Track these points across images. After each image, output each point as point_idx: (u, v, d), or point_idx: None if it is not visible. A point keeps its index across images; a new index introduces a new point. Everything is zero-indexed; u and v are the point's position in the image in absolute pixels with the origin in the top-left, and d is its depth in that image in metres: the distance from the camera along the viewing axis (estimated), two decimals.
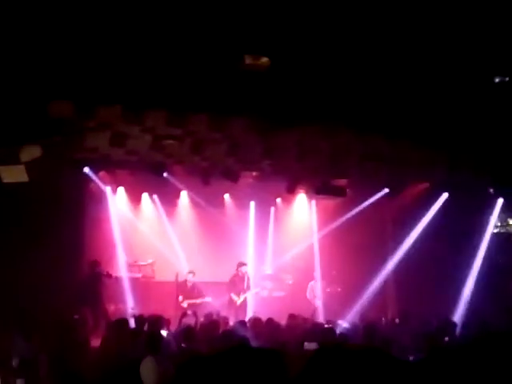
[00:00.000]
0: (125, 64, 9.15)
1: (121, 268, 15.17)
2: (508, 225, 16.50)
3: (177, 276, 15.28)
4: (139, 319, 11.17)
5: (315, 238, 16.96)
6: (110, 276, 14.22)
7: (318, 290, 15.91)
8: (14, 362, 8.70)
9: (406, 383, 1.26)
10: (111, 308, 14.28)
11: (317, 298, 15.80)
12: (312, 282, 16.09)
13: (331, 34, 8.67)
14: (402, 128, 11.34)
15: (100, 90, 9.52)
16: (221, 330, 11.00)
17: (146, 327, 10.74)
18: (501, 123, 11.39)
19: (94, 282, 13.74)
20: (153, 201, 16.32)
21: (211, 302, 14.68)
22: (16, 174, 10.61)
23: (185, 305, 14.66)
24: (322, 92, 10.26)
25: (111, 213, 15.21)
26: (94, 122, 10.84)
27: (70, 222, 12.97)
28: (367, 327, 10.94)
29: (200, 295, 14.77)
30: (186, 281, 14.93)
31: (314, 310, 15.25)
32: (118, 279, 14.76)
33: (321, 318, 14.41)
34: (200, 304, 14.63)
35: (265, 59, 9.30)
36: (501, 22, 8.29)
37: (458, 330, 11.82)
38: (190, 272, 15.05)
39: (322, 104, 10.43)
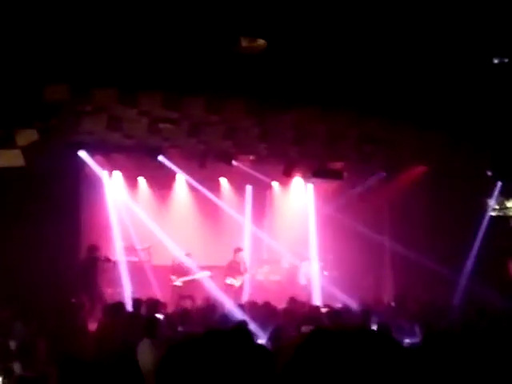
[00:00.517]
0: (121, 46, 9.08)
1: (117, 252, 15.15)
2: (506, 207, 16.50)
3: (173, 261, 15.29)
4: (136, 303, 11.20)
5: (312, 222, 16.95)
6: (108, 260, 14.24)
7: (311, 271, 15.84)
8: (12, 346, 8.71)
9: (404, 366, 1.24)
10: (108, 292, 14.29)
11: (309, 279, 15.71)
12: (305, 263, 15.98)
13: (328, 16, 8.60)
14: (399, 110, 11.30)
15: (96, 73, 9.45)
16: (218, 314, 11.04)
17: (142, 311, 10.77)
18: (499, 105, 11.35)
19: (91, 266, 13.75)
20: (149, 184, 16.28)
21: (207, 282, 14.70)
22: (12, 159, 10.57)
23: (179, 283, 14.68)
24: (319, 74, 10.20)
25: (107, 197, 15.17)
26: (90, 106, 10.78)
27: (66, 206, 12.92)
28: (363, 311, 11.00)
29: (194, 273, 14.86)
30: (181, 263, 14.97)
31: (308, 293, 15.18)
32: (115, 263, 14.76)
33: (318, 301, 14.44)
34: (194, 281, 14.67)
35: (261, 41, 9.24)
36: (499, 3, 8.23)
37: (454, 313, 11.89)
38: (187, 254, 15.07)
39: (319, 86, 10.38)
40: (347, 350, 1.31)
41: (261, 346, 1.68)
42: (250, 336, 1.74)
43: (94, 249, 13.94)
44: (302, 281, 15.73)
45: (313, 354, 1.32)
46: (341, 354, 1.30)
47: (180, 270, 14.92)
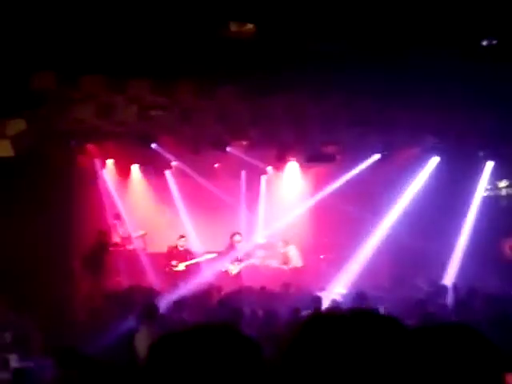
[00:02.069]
0: (108, 32, 8.97)
1: (113, 240, 15.12)
2: (497, 188, 16.52)
3: (169, 246, 15.26)
4: (132, 291, 11.19)
5: (307, 206, 16.93)
6: (116, 245, 14.29)
7: (296, 255, 15.72)
8: (8, 338, 8.69)
9: (409, 349, 1.21)
10: (108, 279, 14.27)
11: (295, 263, 15.59)
12: (292, 246, 15.85)
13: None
14: (391, 90, 11.24)
15: (83, 60, 9.35)
16: (214, 300, 11.03)
17: (139, 298, 10.76)
18: (488, 86, 11.30)
19: (99, 252, 13.72)
20: (142, 172, 16.21)
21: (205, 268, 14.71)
22: (1, 149, 10.49)
23: (182, 267, 14.67)
24: (309, 56, 10.12)
25: (100, 185, 15.11)
26: (79, 93, 10.69)
27: (58, 196, 12.87)
28: (358, 294, 11.01)
29: (196, 256, 14.85)
30: (176, 246, 14.94)
31: (289, 275, 15.10)
32: (111, 251, 14.73)
33: (313, 285, 14.44)
34: (199, 264, 14.68)
35: (250, 26, 9.16)
36: None
37: (449, 294, 11.91)
38: (181, 236, 15.05)
39: (310, 69, 10.30)
40: (351, 334, 1.26)
41: (248, 339, 1.64)
42: (236, 330, 1.70)
43: (104, 234, 13.94)
44: (294, 262, 15.61)
45: (314, 340, 1.28)
46: (344, 339, 1.25)
47: (178, 254, 14.89)
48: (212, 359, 1.53)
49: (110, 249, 14.37)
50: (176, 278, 14.32)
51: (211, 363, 1.53)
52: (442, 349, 1.52)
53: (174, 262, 14.76)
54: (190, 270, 14.67)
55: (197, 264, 14.96)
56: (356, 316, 1.33)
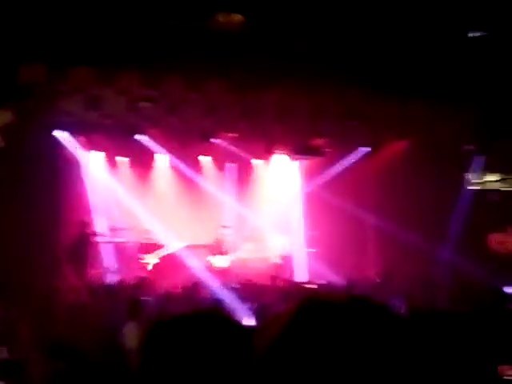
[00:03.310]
0: (97, 25, 8.92)
1: (99, 232, 15.04)
2: (484, 181, 16.58)
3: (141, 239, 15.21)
4: (119, 284, 11.15)
5: (295, 199, 16.93)
6: (97, 234, 14.21)
7: (284, 247, 15.71)
8: None
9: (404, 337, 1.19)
10: (91, 272, 14.20)
11: (281, 256, 15.59)
12: (278, 239, 15.84)
13: None
14: (380, 83, 11.25)
15: (71, 52, 9.29)
16: (202, 293, 11.03)
17: (126, 292, 10.72)
18: (478, 78, 11.35)
19: (80, 244, 13.63)
20: (129, 164, 16.12)
21: (190, 261, 14.68)
22: None
23: (156, 260, 14.67)
24: (298, 49, 10.11)
25: (87, 177, 15.03)
26: (67, 85, 10.62)
27: (45, 187, 12.79)
28: (347, 287, 11.04)
29: (161, 247, 14.83)
30: (149, 240, 14.95)
31: (277, 268, 15.11)
32: (97, 243, 14.66)
33: (303, 278, 14.47)
34: (165, 256, 14.65)
35: (238, 17, 9.13)
36: None
37: (438, 287, 11.98)
38: (146, 232, 15.02)
39: (299, 62, 10.29)
40: (347, 322, 1.24)
41: (238, 324, 1.65)
42: (226, 316, 1.71)
43: (85, 225, 13.84)
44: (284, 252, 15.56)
45: (306, 327, 1.26)
46: (339, 326, 1.24)
47: (150, 247, 14.86)
48: (203, 345, 1.54)
49: (94, 240, 14.25)
50: (151, 271, 14.29)
51: (202, 349, 1.54)
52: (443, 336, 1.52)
53: (144, 256, 14.73)
54: (174, 263, 14.63)
55: (173, 257, 14.91)
56: (353, 303, 1.31)
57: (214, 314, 1.68)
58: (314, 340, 1.22)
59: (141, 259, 14.70)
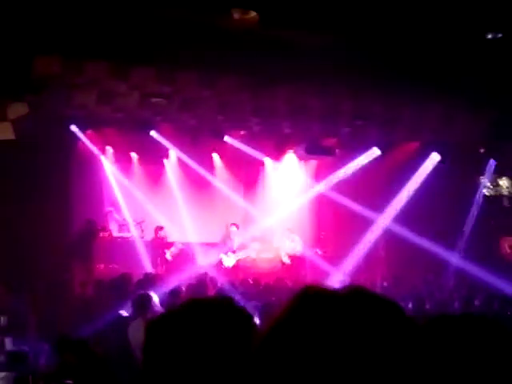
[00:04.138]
0: (113, 18, 8.92)
1: (111, 227, 15.10)
2: (498, 185, 16.47)
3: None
4: (124, 278, 11.15)
5: (305, 199, 16.89)
6: (105, 230, 14.25)
7: (291, 247, 15.64)
8: (3, 321, 8.69)
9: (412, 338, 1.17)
10: (101, 267, 14.25)
11: (289, 256, 15.52)
12: (285, 238, 15.75)
13: None
14: (394, 85, 11.21)
15: (87, 46, 9.31)
16: (209, 291, 11.02)
17: (132, 287, 10.73)
18: (492, 80, 11.27)
19: (87, 238, 13.68)
20: (140, 159, 16.16)
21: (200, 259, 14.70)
22: (2, 132, 10.46)
23: (169, 257, 14.73)
24: (311, 49, 10.07)
25: (99, 172, 15.08)
26: (82, 79, 10.64)
27: (57, 180, 12.85)
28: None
29: (170, 244, 14.84)
30: (157, 237, 14.98)
31: (285, 268, 15.06)
32: (108, 238, 14.71)
33: (309, 279, 14.43)
34: (174, 252, 14.70)
35: (253, 14, 9.07)
36: None
37: (448, 292, 11.90)
38: (159, 228, 15.07)
39: (312, 60, 10.24)
40: (342, 311, 1.23)
41: (241, 310, 1.66)
42: (231, 301, 1.72)
43: (92, 221, 13.89)
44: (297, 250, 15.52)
45: (303, 316, 1.25)
46: (336, 316, 1.22)
47: (160, 244, 14.93)
48: (205, 335, 1.55)
49: (103, 235, 14.32)
50: (160, 267, 14.34)
51: (206, 336, 1.55)
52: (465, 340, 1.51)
53: (152, 252, 14.80)
54: (180, 260, 14.68)
55: (188, 253, 14.96)
56: (354, 295, 1.29)
57: (217, 303, 1.69)
58: (310, 329, 1.21)
59: (150, 255, 14.74)
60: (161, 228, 15.08)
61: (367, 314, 1.22)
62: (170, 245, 14.93)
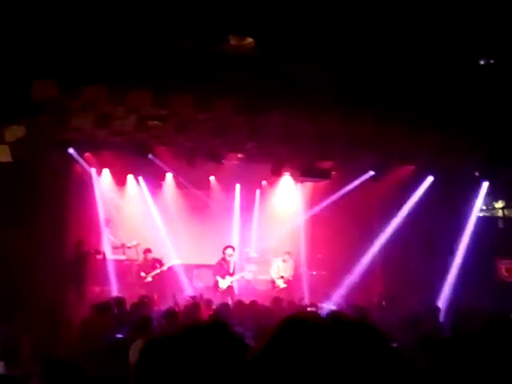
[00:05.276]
0: (109, 44, 9.02)
1: (106, 250, 15.10)
2: (493, 208, 16.53)
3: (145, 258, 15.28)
4: (122, 302, 11.13)
5: (301, 221, 16.92)
6: (98, 253, 14.26)
7: (286, 270, 15.63)
8: None
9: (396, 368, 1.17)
10: (96, 290, 14.23)
11: (281, 279, 15.49)
12: (278, 260, 15.74)
13: (316, 14, 8.56)
14: (388, 110, 11.28)
15: (84, 70, 9.39)
16: (204, 314, 10.99)
17: (128, 309, 10.71)
18: (486, 106, 11.36)
19: (80, 261, 13.68)
20: (138, 182, 16.22)
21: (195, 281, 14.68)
22: (0, 154, 10.51)
23: (149, 279, 14.70)
24: (307, 74, 10.17)
25: (96, 194, 15.12)
26: (79, 102, 10.71)
27: (54, 204, 12.86)
28: (358, 310, 10.92)
29: (161, 265, 14.86)
30: (145, 258, 14.97)
31: (281, 290, 15.04)
32: (103, 261, 14.71)
33: (306, 301, 14.40)
34: (163, 272, 14.68)
35: (249, 40, 9.18)
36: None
37: (442, 315, 11.87)
38: (146, 251, 15.10)
39: (307, 85, 10.34)
40: (325, 340, 1.25)
41: (238, 339, 1.67)
42: (227, 329, 1.73)
43: (81, 244, 13.89)
44: (274, 276, 15.49)
45: (286, 344, 1.27)
46: (318, 345, 1.24)
47: (146, 265, 14.93)
48: (201, 357, 1.56)
49: (98, 258, 14.36)
50: (154, 289, 14.34)
51: (200, 361, 1.57)
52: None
53: (142, 274, 14.79)
54: (168, 282, 14.70)
55: (177, 275, 14.97)
56: (336, 324, 1.31)
57: (209, 328, 1.71)
58: (292, 356, 1.23)
59: (144, 277, 14.73)
60: (149, 250, 15.10)
61: (346, 344, 1.24)
62: (155, 267, 14.93)
